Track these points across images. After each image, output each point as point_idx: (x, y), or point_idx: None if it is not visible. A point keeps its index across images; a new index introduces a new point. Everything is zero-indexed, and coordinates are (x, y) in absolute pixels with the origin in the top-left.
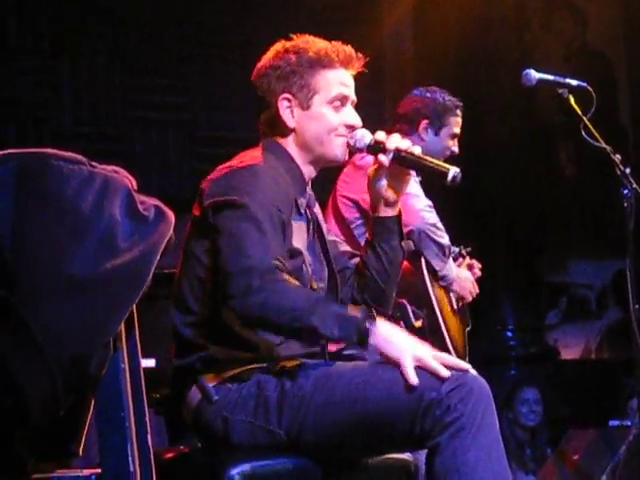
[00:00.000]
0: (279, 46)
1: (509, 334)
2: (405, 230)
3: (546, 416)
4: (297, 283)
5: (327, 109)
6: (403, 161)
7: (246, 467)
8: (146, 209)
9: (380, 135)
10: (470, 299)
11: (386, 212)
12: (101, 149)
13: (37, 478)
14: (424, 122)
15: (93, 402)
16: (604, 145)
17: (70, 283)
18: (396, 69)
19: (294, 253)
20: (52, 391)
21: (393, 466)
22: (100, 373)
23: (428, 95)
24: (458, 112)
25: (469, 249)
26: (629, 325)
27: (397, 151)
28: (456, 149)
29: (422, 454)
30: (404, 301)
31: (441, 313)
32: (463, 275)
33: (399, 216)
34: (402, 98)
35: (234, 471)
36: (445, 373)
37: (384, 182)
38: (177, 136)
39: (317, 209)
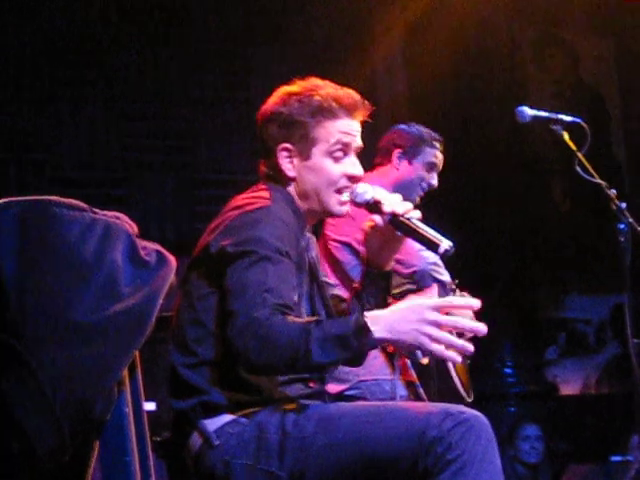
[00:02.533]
0: (283, 91)
1: (508, 371)
2: (409, 271)
3: (547, 452)
4: (292, 320)
5: (327, 160)
6: (397, 226)
7: None
8: (148, 254)
9: (380, 194)
10: (470, 335)
11: (377, 267)
12: (100, 194)
13: None
14: (397, 151)
15: (97, 446)
16: (599, 181)
17: (74, 329)
18: (388, 105)
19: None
20: (58, 436)
21: None
22: (105, 417)
23: (404, 127)
24: (435, 144)
25: (457, 281)
26: (628, 359)
27: (393, 215)
28: (435, 182)
29: None
30: None
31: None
32: (462, 311)
33: (389, 272)
34: None
35: None
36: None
37: (378, 240)
38: (177, 179)
39: (314, 253)
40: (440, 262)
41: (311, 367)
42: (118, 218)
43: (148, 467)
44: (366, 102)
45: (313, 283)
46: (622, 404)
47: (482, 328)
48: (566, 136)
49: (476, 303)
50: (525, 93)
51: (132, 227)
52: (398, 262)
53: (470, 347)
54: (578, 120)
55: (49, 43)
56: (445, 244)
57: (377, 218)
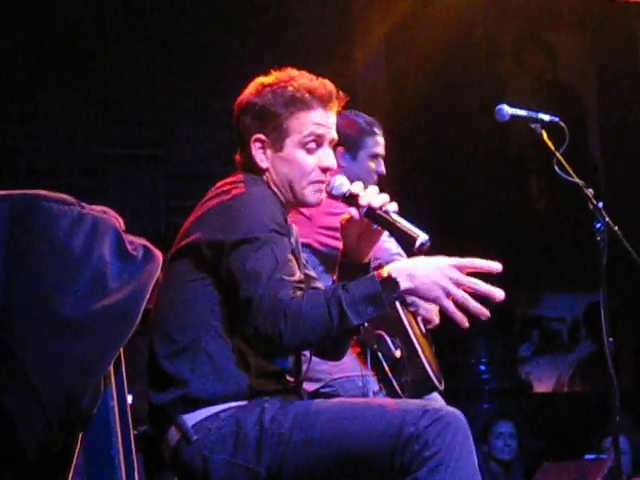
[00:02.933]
0: (258, 82)
1: (482, 368)
2: (375, 264)
3: (520, 448)
4: (314, 292)
5: (300, 152)
6: (374, 219)
7: None
8: (135, 249)
9: (356, 187)
10: (437, 321)
11: (355, 259)
12: (74, 184)
13: None
14: (339, 149)
15: (80, 439)
16: (577, 180)
17: (62, 323)
18: (369, 102)
19: None
20: (46, 429)
21: None
22: (91, 411)
23: (341, 121)
24: (375, 130)
25: None
26: (601, 358)
27: (369, 208)
28: (382, 169)
29: None
30: (382, 332)
31: (415, 337)
32: None
33: (367, 264)
34: None
35: None
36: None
37: (355, 232)
38: (151, 173)
39: (294, 239)
40: (403, 252)
41: (348, 331)
42: (105, 212)
43: (132, 460)
44: (341, 93)
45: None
46: (595, 402)
47: (499, 293)
48: (544, 135)
49: (497, 266)
50: (504, 90)
51: (119, 221)
52: None
53: (486, 311)
54: (556, 119)
55: (29, 38)
56: (421, 238)
57: (353, 211)
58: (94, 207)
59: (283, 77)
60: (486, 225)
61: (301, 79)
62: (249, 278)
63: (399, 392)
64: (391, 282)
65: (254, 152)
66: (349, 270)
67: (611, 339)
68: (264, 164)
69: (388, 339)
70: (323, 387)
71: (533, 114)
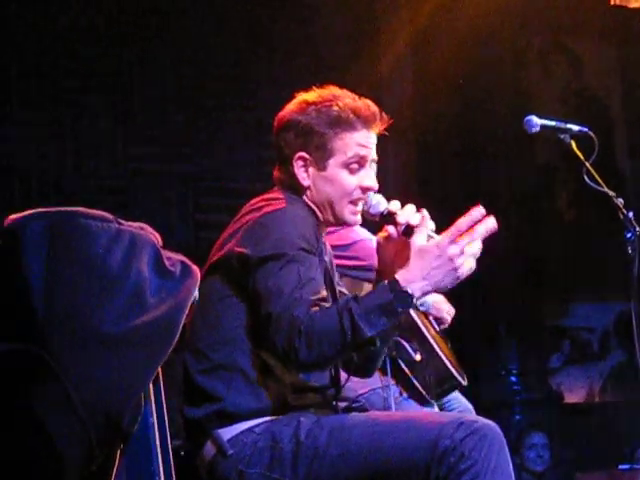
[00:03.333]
0: (301, 99)
1: (513, 379)
2: None
3: (553, 459)
4: (326, 306)
5: (343, 172)
6: (411, 236)
7: None
8: (172, 265)
9: (394, 206)
10: (449, 319)
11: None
12: (103, 201)
13: None
14: None
15: (119, 456)
16: (607, 190)
17: (101, 340)
18: (395, 108)
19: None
20: (86, 446)
21: None
22: (132, 428)
23: None
24: None
25: None
26: (632, 367)
27: (407, 226)
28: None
29: None
30: (398, 338)
31: (432, 338)
32: (437, 298)
33: None
34: (400, 138)
35: None
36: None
37: (392, 250)
38: (179, 188)
39: (328, 258)
40: None
41: (363, 343)
42: (142, 229)
43: (171, 476)
44: (384, 114)
45: (327, 288)
46: (627, 412)
47: (492, 223)
48: (574, 145)
49: (482, 213)
50: (530, 100)
51: (156, 238)
52: (362, 268)
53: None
54: (585, 129)
55: (49, 47)
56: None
57: (391, 229)
58: (132, 224)
59: (327, 96)
60: (515, 236)
61: (345, 99)
62: (270, 295)
63: (423, 393)
64: (403, 291)
65: (296, 170)
66: None
67: None
68: (306, 182)
69: (406, 344)
70: (352, 404)
71: (562, 124)
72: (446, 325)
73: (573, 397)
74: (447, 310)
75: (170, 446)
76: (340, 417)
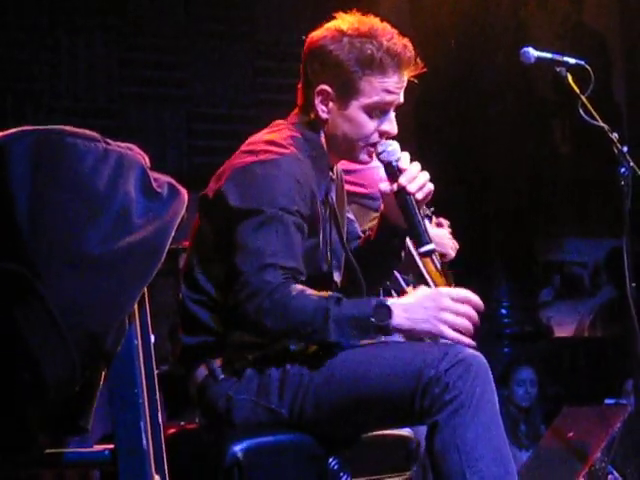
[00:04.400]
0: (337, 27)
1: (503, 312)
2: (379, 204)
3: (540, 393)
4: (310, 293)
5: (364, 115)
6: (400, 200)
7: (249, 443)
8: (160, 186)
9: (404, 161)
10: (453, 254)
11: (391, 222)
12: (97, 124)
13: (50, 453)
14: None
15: (103, 378)
16: (602, 124)
17: (87, 260)
18: None
19: (317, 248)
20: (69, 367)
21: (395, 442)
22: (115, 350)
23: None
24: None
25: (432, 209)
26: (622, 303)
27: (402, 189)
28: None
29: (423, 429)
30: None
31: (429, 274)
32: (440, 233)
33: (401, 230)
34: None
35: (237, 447)
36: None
37: (391, 200)
38: (174, 112)
39: (333, 193)
40: None
41: (324, 343)
42: (131, 149)
43: (155, 400)
44: (419, 59)
45: (332, 226)
46: (615, 348)
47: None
48: (570, 78)
49: (478, 302)
50: (527, 35)
51: (144, 158)
52: (367, 196)
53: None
54: (582, 62)
55: None
56: (428, 246)
57: (385, 185)
58: (119, 144)
59: (364, 30)
60: (508, 169)
61: (383, 37)
62: (243, 251)
63: None
64: (384, 310)
65: (316, 101)
66: (386, 234)
67: (633, 284)
68: (324, 115)
69: (399, 276)
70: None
71: (558, 57)
72: (448, 259)
73: (563, 331)
74: (451, 245)
75: (155, 369)
76: (326, 346)
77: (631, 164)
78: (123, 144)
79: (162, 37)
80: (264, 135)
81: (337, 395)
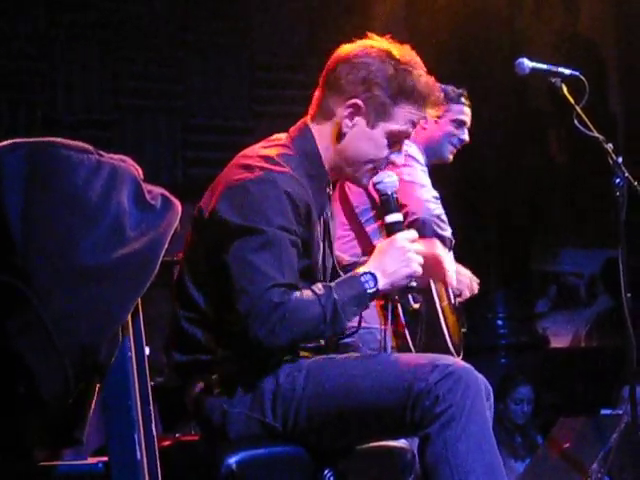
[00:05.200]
0: (385, 48)
1: (499, 322)
2: (410, 219)
3: (536, 404)
4: (304, 294)
5: (385, 140)
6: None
7: (243, 455)
8: (153, 198)
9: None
10: (468, 295)
11: None
12: (92, 136)
13: (44, 466)
14: None
15: (97, 390)
16: (597, 134)
17: (80, 272)
18: None
19: (311, 269)
20: (63, 379)
21: (390, 454)
22: (109, 362)
23: None
24: (461, 100)
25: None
26: (619, 313)
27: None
28: (466, 137)
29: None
30: None
31: (440, 306)
32: (463, 271)
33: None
34: None
35: (231, 459)
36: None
37: None
38: (169, 123)
39: (328, 209)
40: (445, 217)
41: (336, 332)
42: (124, 161)
43: (149, 411)
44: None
45: (325, 246)
46: (611, 358)
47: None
48: (564, 89)
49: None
50: (523, 45)
51: (137, 170)
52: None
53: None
54: (576, 73)
55: None
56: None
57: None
58: (112, 156)
59: (409, 59)
60: (504, 179)
61: (422, 70)
62: (243, 271)
63: (410, 347)
64: (370, 277)
65: (343, 113)
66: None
67: (629, 294)
68: (346, 129)
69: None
70: (344, 338)
71: (553, 68)
72: (462, 299)
73: (559, 342)
74: (468, 284)
75: (149, 381)
76: (319, 359)
77: (626, 175)
78: (116, 156)
79: (158, 49)
80: (260, 150)
81: (328, 408)
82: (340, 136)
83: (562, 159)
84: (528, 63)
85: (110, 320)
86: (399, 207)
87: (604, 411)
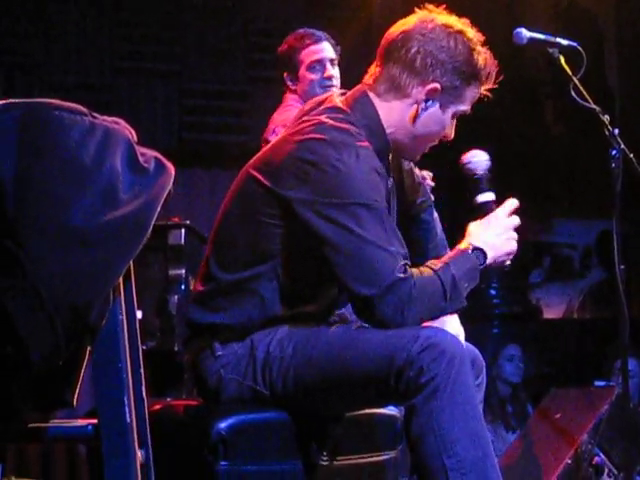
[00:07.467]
0: (459, 28)
1: (493, 292)
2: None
3: (528, 374)
4: (423, 272)
5: (449, 121)
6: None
7: (233, 420)
8: (146, 161)
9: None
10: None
11: None
12: (88, 99)
13: (33, 428)
14: (285, 75)
15: (88, 352)
16: (593, 106)
17: (71, 234)
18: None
19: None
20: (53, 341)
21: (381, 421)
22: (99, 324)
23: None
24: (306, 41)
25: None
26: (612, 285)
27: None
28: (328, 73)
29: None
30: None
31: None
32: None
33: None
34: None
35: (222, 424)
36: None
37: None
38: (165, 87)
39: (390, 182)
40: None
41: (456, 309)
42: (117, 123)
43: (139, 375)
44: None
45: (393, 207)
46: (604, 329)
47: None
48: (562, 60)
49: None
50: (520, 16)
51: (131, 133)
52: None
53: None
54: (575, 44)
55: None
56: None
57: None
58: (106, 118)
59: (475, 38)
60: (499, 150)
61: (483, 48)
62: (362, 244)
63: None
64: (480, 253)
65: (421, 96)
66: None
67: (622, 266)
68: (421, 112)
69: None
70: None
71: (551, 38)
72: None
73: (551, 312)
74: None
75: (140, 344)
76: (307, 329)
77: (622, 146)
78: (110, 118)
79: (154, 11)
80: (324, 118)
81: (315, 376)
82: (414, 117)
83: (558, 130)
84: (526, 33)
85: (101, 282)
86: (490, 186)
87: (598, 383)
